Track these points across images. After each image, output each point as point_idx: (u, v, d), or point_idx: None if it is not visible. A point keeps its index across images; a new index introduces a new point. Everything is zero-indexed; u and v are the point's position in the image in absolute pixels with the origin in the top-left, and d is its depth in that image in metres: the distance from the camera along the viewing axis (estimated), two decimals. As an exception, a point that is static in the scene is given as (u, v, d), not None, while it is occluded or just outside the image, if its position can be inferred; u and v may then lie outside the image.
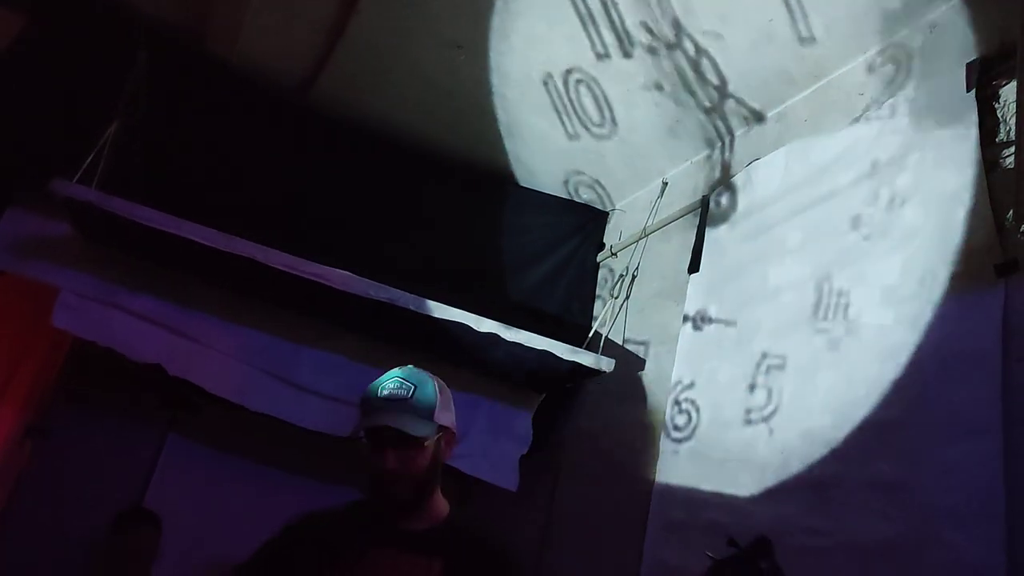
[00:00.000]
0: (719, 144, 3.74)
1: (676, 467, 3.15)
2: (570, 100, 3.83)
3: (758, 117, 3.51)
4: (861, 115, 2.92)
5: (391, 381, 2.06)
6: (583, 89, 3.75)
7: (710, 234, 3.52)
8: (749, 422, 2.84)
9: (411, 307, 3.45)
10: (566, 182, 4.44)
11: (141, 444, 4.43)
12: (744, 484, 2.77)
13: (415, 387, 2.05)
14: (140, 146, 3.47)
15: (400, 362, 3.94)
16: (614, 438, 3.75)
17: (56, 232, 3.43)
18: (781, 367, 2.81)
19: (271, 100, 4.06)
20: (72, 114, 3.49)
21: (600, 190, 4.45)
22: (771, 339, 2.91)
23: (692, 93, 3.52)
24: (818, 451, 2.53)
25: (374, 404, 2.02)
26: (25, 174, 3.43)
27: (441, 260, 4.21)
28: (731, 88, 3.42)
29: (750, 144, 3.54)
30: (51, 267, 3.46)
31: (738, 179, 3.48)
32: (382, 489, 2.02)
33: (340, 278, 3.34)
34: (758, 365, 2.91)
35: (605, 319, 4.00)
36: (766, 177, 3.30)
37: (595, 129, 3.95)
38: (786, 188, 3.15)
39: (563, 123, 3.97)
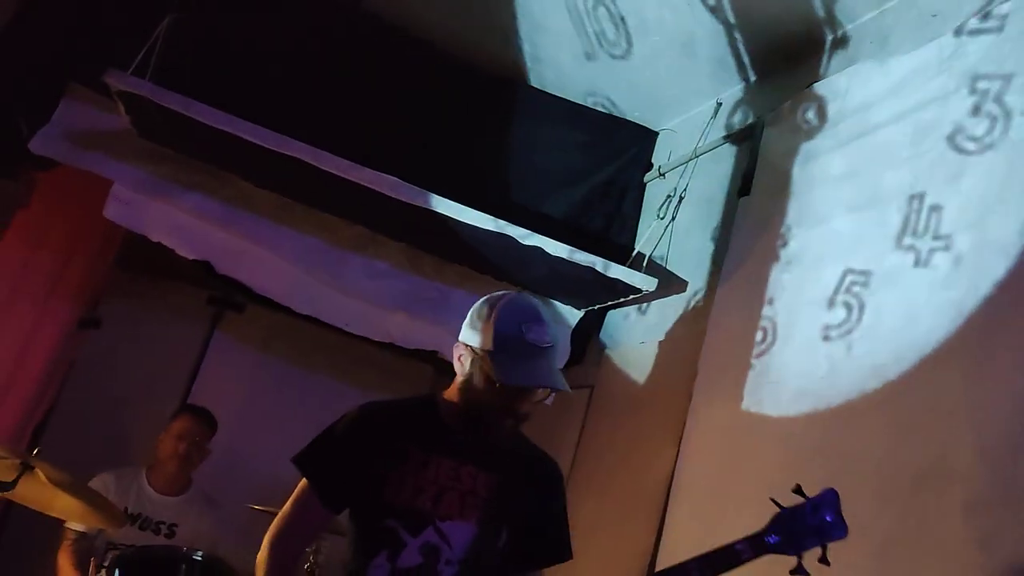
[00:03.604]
0: (780, 64, 3.62)
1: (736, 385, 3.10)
2: (621, 18, 3.71)
3: (835, 32, 3.36)
4: (964, 24, 2.75)
5: (538, 326, 1.97)
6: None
7: (785, 150, 3.37)
8: (827, 339, 2.78)
9: (457, 217, 3.45)
10: (610, 100, 4.35)
11: (187, 339, 4.53)
12: (815, 402, 2.73)
13: (556, 332, 2.01)
14: (193, 41, 3.45)
15: (443, 272, 4.03)
16: (652, 359, 3.77)
17: (110, 125, 3.46)
18: (864, 284, 2.73)
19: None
20: (126, 5, 3.48)
21: (648, 108, 4.36)
22: (853, 255, 2.82)
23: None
24: (899, 370, 2.48)
25: (530, 350, 1.94)
26: (80, 65, 3.45)
27: (485, 175, 4.19)
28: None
29: (814, 67, 3.42)
30: (104, 159, 3.50)
31: (820, 92, 3.30)
32: (495, 424, 1.99)
33: (390, 184, 3.35)
34: (839, 282, 2.83)
35: (650, 239, 3.98)
36: (853, 90, 3.13)
37: (650, 42, 3.83)
38: (874, 102, 3.00)
39: (619, 38, 3.87)
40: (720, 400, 3.15)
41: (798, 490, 1.76)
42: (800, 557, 1.73)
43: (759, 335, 3.08)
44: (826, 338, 2.78)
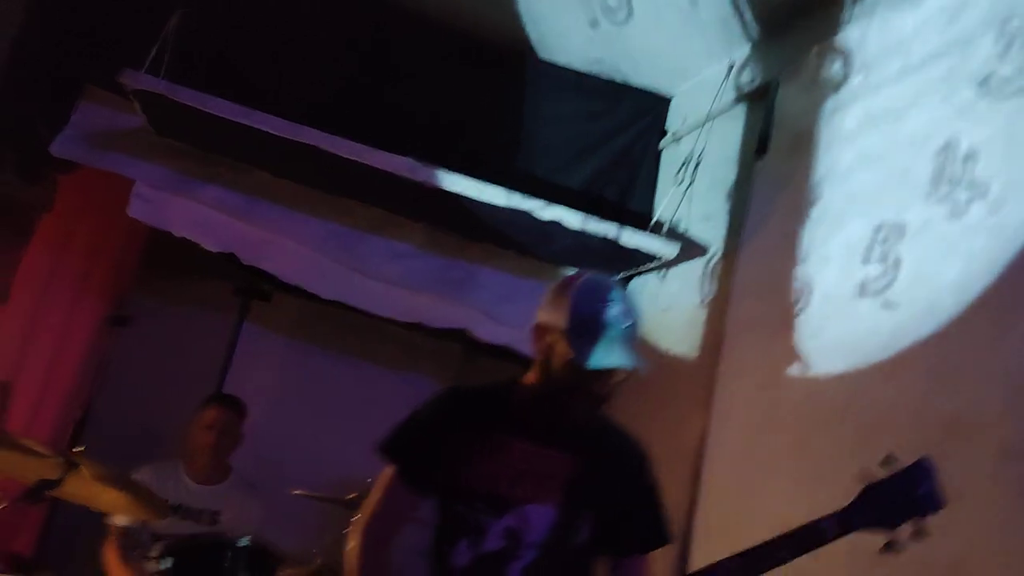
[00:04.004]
0: (791, 20, 3.59)
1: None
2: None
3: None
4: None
5: (616, 307, 1.93)
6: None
7: (804, 107, 3.33)
8: (863, 294, 2.75)
9: (474, 195, 3.47)
10: (618, 68, 4.33)
11: (217, 331, 4.59)
12: (850, 358, 2.72)
13: (634, 315, 1.96)
14: (203, 34, 3.48)
15: (466, 251, 4.06)
16: (675, 326, 3.78)
17: (127, 124, 3.51)
18: (898, 237, 2.69)
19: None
20: (135, 3, 3.50)
21: (659, 74, 4.34)
22: (886, 209, 2.78)
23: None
24: (935, 321, 2.45)
25: (608, 330, 1.90)
26: (94, 66, 3.48)
27: (499, 150, 4.19)
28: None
29: (831, 20, 3.38)
30: (125, 159, 3.55)
31: (839, 44, 3.24)
32: (573, 405, 1.97)
33: (406, 166, 3.37)
34: (872, 236, 2.79)
35: (668, 206, 3.98)
36: (874, 40, 3.07)
37: (651, 5, 3.80)
38: (897, 50, 2.94)
39: (620, 3, 3.83)
40: (751, 362, 3.16)
41: (888, 461, 1.67)
42: (893, 533, 1.65)
43: (793, 293, 3.05)
44: (862, 293, 2.75)
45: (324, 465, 4.42)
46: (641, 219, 4.08)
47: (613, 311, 1.91)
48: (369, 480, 3.59)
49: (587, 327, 1.90)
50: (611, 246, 3.67)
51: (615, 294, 1.95)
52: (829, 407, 2.74)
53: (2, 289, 4.12)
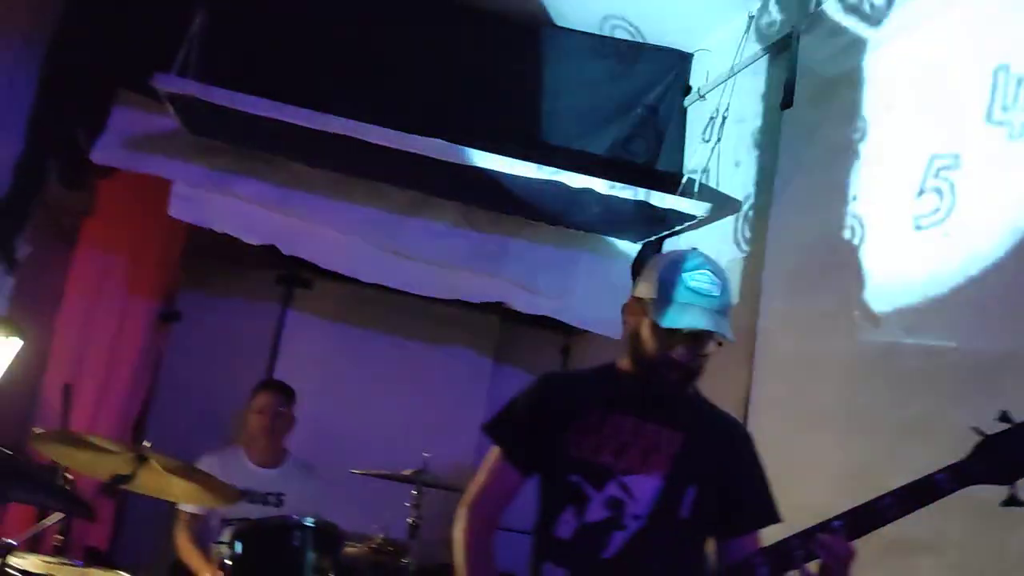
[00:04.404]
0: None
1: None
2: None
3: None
4: None
5: (702, 275, 1.98)
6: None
7: (831, 50, 3.26)
8: (920, 228, 2.69)
9: (504, 170, 3.50)
10: (637, 28, 4.31)
11: (263, 321, 4.73)
12: (907, 295, 2.66)
13: (724, 284, 2.01)
14: (228, 31, 3.52)
15: (499, 225, 4.10)
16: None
17: (162, 126, 3.58)
18: (953, 166, 2.62)
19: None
20: (160, 6, 3.56)
21: (678, 31, 4.31)
22: (938, 139, 2.70)
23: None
24: (993, 252, 2.39)
25: (693, 298, 1.95)
26: (126, 71, 3.56)
27: (524, 122, 4.20)
28: None
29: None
30: (162, 160, 3.63)
31: None
32: (662, 373, 2.01)
33: (436, 148, 3.41)
34: (926, 168, 2.71)
35: (697, 164, 3.99)
36: None
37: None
38: None
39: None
40: (792, 312, 3.15)
41: (1004, 417, 1.63)
42: (1013, 487, 1.63)
43: (836, 238, 3.00)
44: (919, 228, 2.69)
45: (376, 442, 4.56)
46: (671, 179, 4.09)
47: (700, 280, 1.96)
48: (424, 454, 3.74)
49: (672, 294, 1.96)
50: (643, 209, 3.70)
51: (706, 266, 1.99)
52: (880, 347, 2.71)
53: (55, 294, 4.26)
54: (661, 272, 2.01)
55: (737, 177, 3.81)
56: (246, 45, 3.68)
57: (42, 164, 3.57)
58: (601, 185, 3.58)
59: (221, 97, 3.21)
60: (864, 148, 3.03)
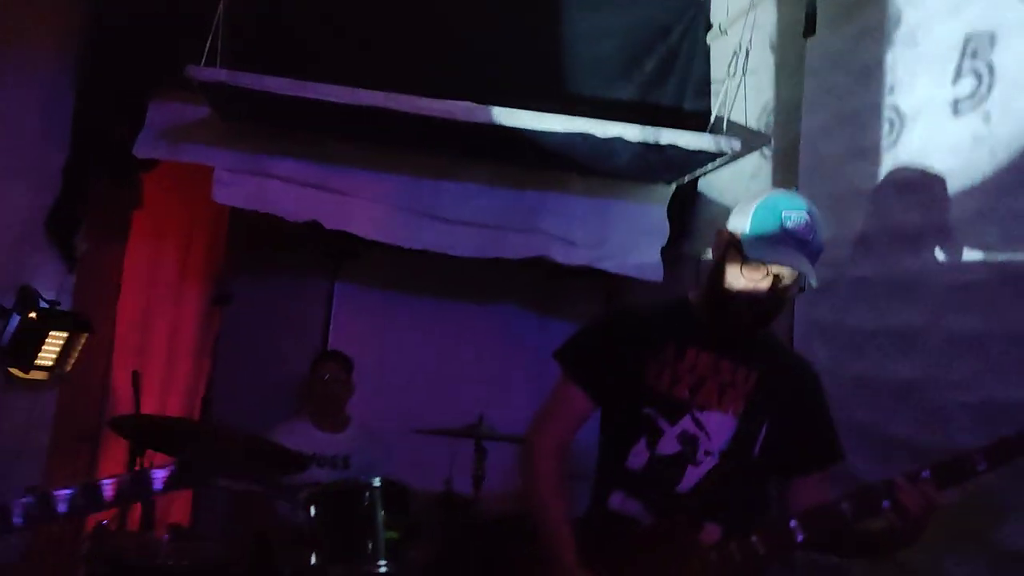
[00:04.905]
0: None
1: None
2: None
3: None
4: None
5: (799, 215, 1.94)
6: None
7: None
8: (958, 113, 2.60)
9: (534, 127, 3.54)
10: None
11: (314, 294, 4.87)
12: (946, 182, 2.59)
13: (818, 231, 1.96)
14: (251, 14, 3.58)
15: (532, 181, 4.14)
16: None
17: (197, 115, 3.67)
18: (989, 43, 2.52)
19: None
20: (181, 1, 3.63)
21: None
22: (970, 15, 2.60)
23: None
24: None
25: (785, 237, 1.92)
26: (156, 68, 3.65)
27: (548, 75, 4.20)
28: None
29: None
30: (201, 149, 3.73)
31: None
32: (741, 308, 1.97)
33: (463, 110, 3.46)
34: (961, 49, 2.61)
35: (724, 100, 3.98)
36: None
37: None
38: None
39: None
40: (831, 237, 3.11)
41: None
42: None
43: (885, 127, 2.91)
44: (956, 112, 2.61)
45: (433, 401, 4.69)
46: (699, 118, 4.09)
47: (794, 220, 1.93)
48: (479, 412, 3.85)
49: (765, 230, 1.93)
50: (673, 151, 3.71)
51: (803, 208, 1.96)
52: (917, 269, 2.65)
53: (114, 287, 4.43)
54: (758, 207, 1.97)
55: (765, 109, 3.80)
56: (269, 26, 3.73)
57: (89, 165, 3.70)
58: (630, 132, 3.60)
59: (250, 81, 3.28)
60: (901, 33, 2.90)
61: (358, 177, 3.83)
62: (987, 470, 1.72)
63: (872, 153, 2.97)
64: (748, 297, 1.95)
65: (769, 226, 1.93)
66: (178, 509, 4.51)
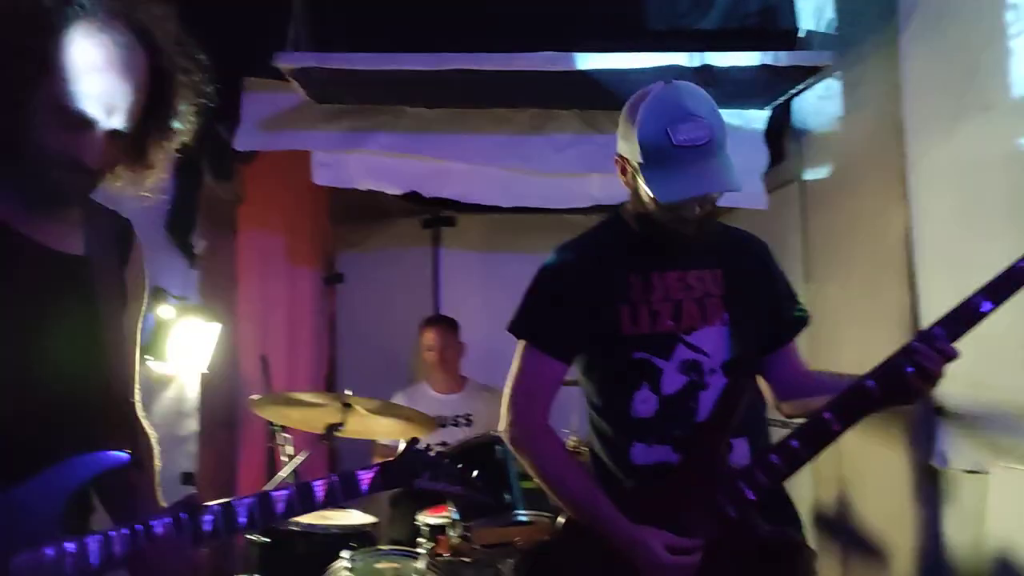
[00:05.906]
0: None
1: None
2: None
3: None
4: None
5: (687, 124, 1.76)
6: None
7: None
8: None
9: (617, 66, 3.50)
10: None
11: (418, 265, 4.99)
12: None
13: (709, 116, 1.78)
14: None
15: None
16: (852, 129, 3.70)
17: (289, 102, 3.76)
18: None
19: None
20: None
21: None
22: None
23: None
24: None
25: (683, 154, 1.76)
26: (244, 61, 3.75)
27: (626, 14, 4.12)
28: None
29: None
30: (296, 134, 3.83)
31: None
32: (678, 226, 1.89)
33: (545, 60, 3.44)
34: None
35: (813, 14, 3.84)
36: None
37: None
38: None
39: None
40: (942, 141, 2.99)
41: None
42: None
43: (1009, 15, 2.66)
44: None
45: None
46: (788, 35, 3.95)
47: (683, 131, 1.75)
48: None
49: (658, 156, 1.78)
50: (765, 72, 3.61)
51: (686, 109, 1.77)
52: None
53: (231, 279, 4.63)
54: (641, 132, 1.80)
55: (857, 21, 3.65)
56: (346, 2, 3.79)
57: (196, 164, 3.85)
58: (718, 59, 3.52)
59: (338, 61, 3.35)
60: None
61: (449, 142, 3.88)
62: (993, 308, 1.69)
63: (987, 61, 2.75)
64: (679, 218, 1.86)
65: (660, 151, 1.78)
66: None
